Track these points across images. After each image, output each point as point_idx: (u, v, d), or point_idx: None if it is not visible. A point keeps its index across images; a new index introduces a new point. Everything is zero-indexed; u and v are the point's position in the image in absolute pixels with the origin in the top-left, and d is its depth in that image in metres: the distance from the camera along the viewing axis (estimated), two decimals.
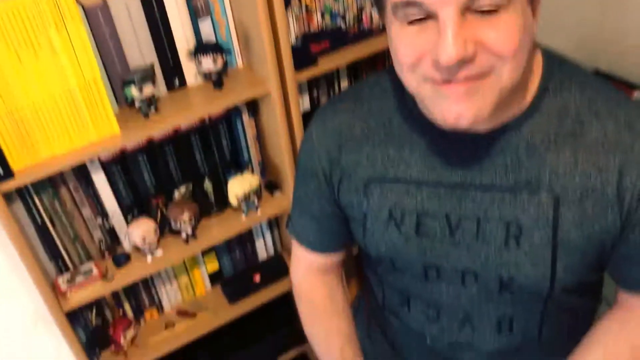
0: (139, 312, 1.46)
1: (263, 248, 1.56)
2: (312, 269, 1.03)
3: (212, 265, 1.51)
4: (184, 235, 1.31)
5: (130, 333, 1.38)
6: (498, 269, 0.81)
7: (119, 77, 1.18)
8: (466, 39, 0.63)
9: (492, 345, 0.88)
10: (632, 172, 0.73)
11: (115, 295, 1.41)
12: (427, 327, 0.91)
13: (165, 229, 1.35)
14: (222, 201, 1.38)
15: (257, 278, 1.50)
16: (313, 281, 1.04)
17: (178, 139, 1.28)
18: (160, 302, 1.48)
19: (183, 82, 1.26)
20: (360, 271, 1.19)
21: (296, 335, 1.02)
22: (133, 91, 1.15)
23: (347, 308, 1.03)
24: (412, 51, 0.67)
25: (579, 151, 0.75)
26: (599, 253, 0.79)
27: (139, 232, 1.25)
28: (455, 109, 0.67)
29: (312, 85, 1.38)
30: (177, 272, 1.47)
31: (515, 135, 0.76)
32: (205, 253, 1.49)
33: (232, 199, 1.33)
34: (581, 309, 0.90)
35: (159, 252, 1.31)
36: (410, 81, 0.71)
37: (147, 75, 1.16)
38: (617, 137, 0.74)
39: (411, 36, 0.66)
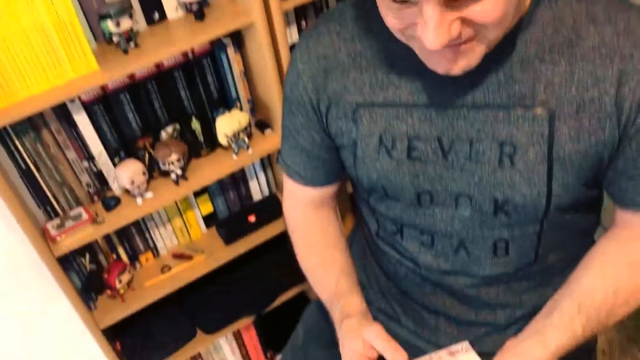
0: (134, 256, 1.44)
1: (257, 189, 1.53)
2: (305, 203, 1.01)
3: (206, 207, 1.49)
4: (173, 176, 1.28)
5: (126, 277, 1.37)
6: (492, 190, 0.78)
7: (95, 11, 1.13)
8: (450, 22, 0.62)
9: (488, 270, 0.86)
10: (631, 81, 0.69)
11: (108, 240, 1.39)
12: (421, 254, 0.89)
13: (154, 170, 1.32)
14: (211, 141, 1.35)
15: (252, 219, 1.47)
16: (306, 215, 1.01)
17: (161, 76, 1.23)
18: (155, 246, 1.47)
19: (163, 15, 1.21)
20: (355, 206, 1.16)
21: (295, 274, 1.00)
22: (110, 25, 1.10)
23: (343, 240, 1.00)
24: (398, 22, 0.67)
25: (575, 61, 0.71)
26: (596, 168, 0.76)
27: (126, 174, 1.22)
28: (444, 65, 0.69)
29: (300, 15, 1.32)
30: (170, 215, 1.45)
31: (508, 50, 0.73)
32: (197, 195, 1.46)
33: (222, 138, 1.30)
34: (579, 230, 0.88)
35: (149, 195, 1.28)
36: (399, 36, 0.71)
37: (124, 9, 1.11)
38: (615, 44, 0.70)
39: (396, 10, 0.66)
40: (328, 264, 0.95)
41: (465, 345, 0.83)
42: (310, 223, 1.01)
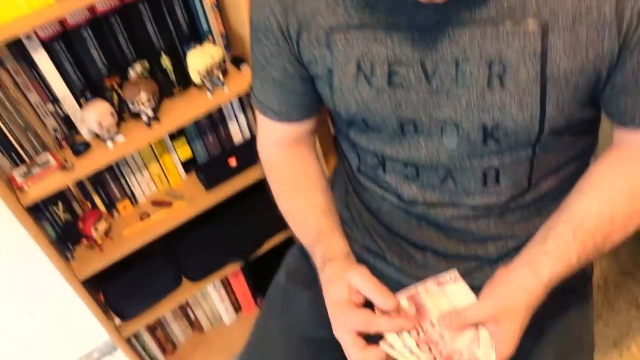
0: (110, 204, 1.38)
1: (237, 131, 1.46)
2: (281, 142, 0.94)
3: (184, 151, 1.42)
4: (144, 117, 1.21)
5: (103, 225, 1.31)
6: (481, 115, 0.72)
7: None
8: None
9: (478, 201, 0.81)
10: None
11: (82, 188, 1.33)
12: (405, 187, 0.83)
13: (124, 113, 1.24)
14: (184, 79, 1.27)
15: (233, 162, 1.41)
16: (283, 155, 0.95)
17: (125, 9, 1.15)
18: (132, 193, 1.41)
19: None
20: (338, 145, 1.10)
21: (282, 219, 0.95)
22: None
23: (322, 180, 0.94)
24: None
25: None
26: (593, 85, 0.69)
27: (93, 115, 1.15)
28: None
29: None
30: (146, 160, 1.39)
31: None
32: (174, 139, 1.39)
33: (194, 74, 1.22)
34: (574, 154, 0.82)
35: (120, 138, 1.21)
36: None
37: None
38: None
39: None
40: (308, 206, 0.89)
41: (453, 274, 0.78)
42: (288, 163, 0.94)
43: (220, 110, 1.41)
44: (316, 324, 0.93)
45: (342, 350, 0.99)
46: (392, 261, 0.92)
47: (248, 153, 1.43)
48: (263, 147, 0.97)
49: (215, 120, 1.42)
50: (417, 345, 0.71)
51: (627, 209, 0.74)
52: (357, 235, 0.97)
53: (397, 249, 0.92)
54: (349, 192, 0.98)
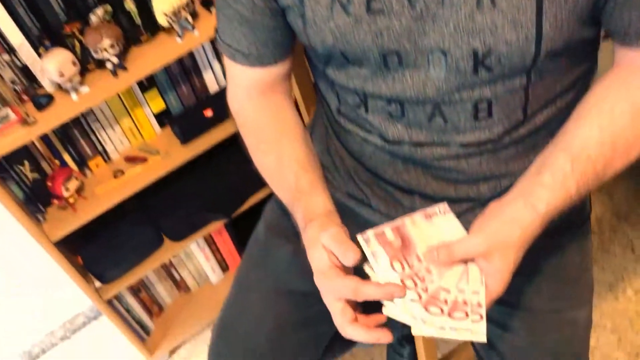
0: (82, 162, 1.31)
1: (213, 80, 1.38)
2: (253, 90, 0.85)
3: (157, 103, 1.34)
4: (109, 65, 1.13)
5: (74, 184, 1.24)
6: (471, 40, 0.64)
7: None
8: None
9: (469, 137, 0.74)
10: None
11: (50, 146, 1.26)
12: (390, 126, 0.76)
13: (89, 63, 1.16)
14: (151, 24, 1.18)
15: (208, 113, 1.33)
16: (256, 105, 0.85)
17: None
18: (104, 149, 1.33)
19: None
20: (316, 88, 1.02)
21: None
22: None
23: (300, 129, 0.85)
24: None
25: None
26: (593, 0, 0.62)
27: (53, 64, 1.06)
28: None
29: None
30: (116, 114, 1.31)
31: None
32: (145, 90, 1.31)
33: (160, 17, 1.13)
34: (573, 79, 0.75)
35: (85, 89, 1.13)
36: None
37: None
38: None
39: None
40: (284, 161, 0.81)
41: (443, 207, 0.72)
42: (261, 114, 0.85)
43: (193, 58, 1.33)
44: (298, 277, 0.87)
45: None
46: (378, 207, 0.86)
47: (225, 103, 1.35)
48: (234, 98, 0.88)
49: (188, 69, 1.34)
50: (402, 281, 0.65)
51: (631, 134, 0.68)
52: (340, 182, 0.90)
53: (382, 194, 0.85)
54: (330, 136, 0.91)
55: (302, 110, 1.09)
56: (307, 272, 0.84)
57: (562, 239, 0.86)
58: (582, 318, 0.88)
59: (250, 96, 0.85)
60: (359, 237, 0.66)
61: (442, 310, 0.64)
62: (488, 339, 0.89)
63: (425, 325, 0.63)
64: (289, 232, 0.90)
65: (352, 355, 1.55)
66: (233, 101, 0.88)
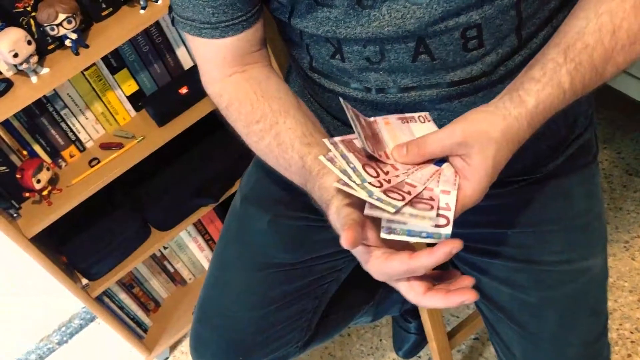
0: (54, 153, 1.24)
1: (187, 57, 1.31)
2: (230, 64, 0.73)
3: (129, 85, 1.27)
4: (68, 43, 1.05)
5: (45, 175, 1.17)
6: None
7: None
8: None
9: (459, 73, 0.65)
10: None
11: (18, 137, 1.19)
12: (371, 73, 0.68)
13: (49, 45, 1.08)
14: None
15: (183, 91, 1.26)
16: (237, 79, 0.74)
17: None
18: (78, 138, 1.26)
19: None
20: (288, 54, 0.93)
21: (249, 153, 0.80)
22: None
23: (292, 98, 0.74)
24: None
25: None
26: None
27: (5, 44, 0.99)
28: None
29: None
30: (87, 100, 1.24)
31: None
32: (115, 72, 1.24)
33: None
34: None
35: (45, 70, 1.06)
36: None
37: None
38: None
39: None
40: (285, 142, 0.70)
41: (424, 115, 0.63)
42: (245, 89, 0.74)
43: (163, 34, 1.25)
44: (277, 248, 0.80)
45: (312, 275, 0.86)
46: None
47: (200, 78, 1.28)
48: (210, 81, 0.76)
49: (160, 47, 1.26)
50: (363, 166, 0.55)
51: (634, 22, 0.59)
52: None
53: None
54: (307, 98, 0.83)
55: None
56: (285, 243, 0.76)
57: (567, 183, 0.78)
58: (596, 268, 0.80)
59: (227, 73, 0.74)
60: (325, 141, 0.57)
61: (403, 198, 0.53)
62: (496, 300, 0.82)
63: (380, 207, 0.52)
64: (265, 201, 0.83)
65: (359, 332, 1.48)
66: (210, 84, 0.77)
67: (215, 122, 1.39)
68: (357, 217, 0.56)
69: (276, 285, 0.83)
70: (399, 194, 0.54)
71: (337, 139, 0.57)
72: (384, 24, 0.62)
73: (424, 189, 0.55)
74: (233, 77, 0.74)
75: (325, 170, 0.64)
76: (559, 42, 0.60)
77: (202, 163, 1.42)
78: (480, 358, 1.39)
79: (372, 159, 0.57)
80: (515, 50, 0.65)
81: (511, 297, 0.81)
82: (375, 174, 0.55)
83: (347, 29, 0.65)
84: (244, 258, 0.84)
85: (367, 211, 0.53)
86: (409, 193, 0.54)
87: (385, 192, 0.53)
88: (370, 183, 0.54)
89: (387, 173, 0.56)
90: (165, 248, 1.55)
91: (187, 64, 1.31)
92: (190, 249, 1.59)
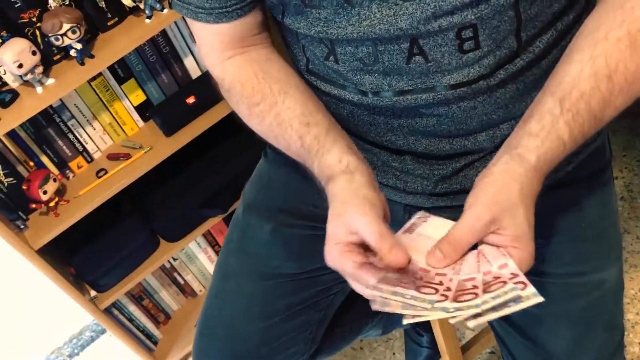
0: (61, 164, 1.24)
1: (194, 66, 1.30)
2: (228, 47, 0.73)
3: (136, 95, 1.26)
4: (73, 53, 1.05)
5: (52, 187, 1.16)
6: None
7: None
8: None
9: (456, 76, 0.63)
10: None
11: (25, 148, 1.19)
12: (365, 75, 0.66)
13: (54, 55, 1.08)
14: (117, 7, 1.11)
15: (191, 100, 1.25)
16: (237, 62, 0.74)
17: None
18: (85, 149, 1.26)
19: None
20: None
21: (258, 158, 0.81)
22: None
23: (294, 78, 0.73)
24: None
25: None
26: None
27: (9, 55, 0.99)
28: None
29: None
30: (94, 110, 1.23)
31: None
32: (122, 82, 1.23)
33: None
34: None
35: (50, 81, 1.06)
36: None
37: None
38: None
39: None
40: (284, 122, 0.69)
41: (421, 214, 0.63)
42: (246, 71, 0.73)
43: (170, 44, 1.25)
44: (280, 258, 0.78)
45: (317, 286, 0.84)
46: None
47: (208, 88, 1.26)
48: (210, 63, 0.76)
49: (167, 56, 1.26)
50: (418, 290, 0.54)
51: (631, 63, 0.57)
52: None
53: (370, 158, 0.75)
54: None
55: None
56: (289, 251, 0.75)
57: (579, 190, 0.75)
58: (611, 280, 0.76)
59: (227, 55, 0.74)
60: (367, 291, 0.56)
61: (475, 295, 0.53)
62: (507, 315, 0.79)
63: (463, 315, 0.52)
64: (267, 210, 0.81)
65: (371, 345, 1.45)
66: (212, 66, 0.77)
67: (223, 132, 1.38)
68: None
69: (280, 296, 0.81)
70: (468, 293, 0.53)
71: (374, 282, 0.55)
72: (375, 22, 0.61)
73: (483, 275, 0.55)
74: (234, 60, 0.74)
75: (324, 149, 0.64)
76: (554, 90, 0.58)
77: (210, 173, 1.40)
78: None
79: (418, 281, 0.56)
80: (515, 53, 0.63)
81: (522, 311, 0.77)
82: (433, 291, 0.54)
83: (338, 29, 0.63)
84: (247, 268, 0.82)
85: (452, 321, 0.53)
86: (475, 287, 0.54)
87: (455, 300, 0.53)
88: (437, 301, 0.53)
89: (440, 283, 0.55)
90: (174, 259, 1.54)
91: (194, 73, 1.30)
92: (200, 260, 1.57)
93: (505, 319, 0.79)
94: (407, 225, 0.62)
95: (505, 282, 0.53)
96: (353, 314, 0.97)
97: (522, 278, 0.53)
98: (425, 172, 0.73)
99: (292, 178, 0.81)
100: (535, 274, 0.75)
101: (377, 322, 1.06)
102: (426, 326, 1.24)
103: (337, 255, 0.58)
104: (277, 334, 0.82)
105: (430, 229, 0.61)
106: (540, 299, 0.52)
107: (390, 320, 1.13)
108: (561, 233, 0.74)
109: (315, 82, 0.73)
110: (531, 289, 0.52)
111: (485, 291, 0.53)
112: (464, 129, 0.68)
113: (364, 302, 0.58)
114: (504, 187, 0.56)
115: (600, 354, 0.76)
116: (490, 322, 0.86)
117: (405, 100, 0.66)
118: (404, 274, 0.56)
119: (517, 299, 0.52)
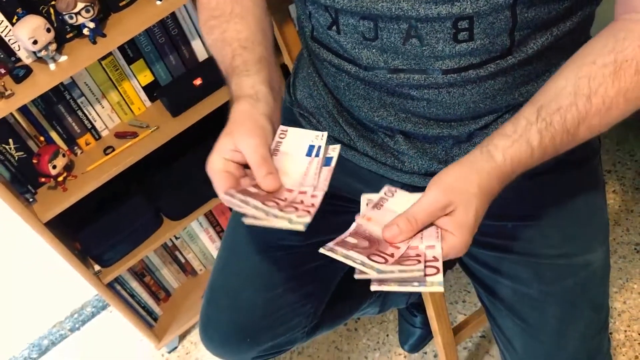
0: (70, 140, 1.27)
1: (202, 49, 1.33)
2: None
3: (144, 76, 1.29)
4: (86, 32, 1.08)
5: (61, 162, 1.20)
6: None
7: None
8: None
9: (448, 62, 0.66)
10: None
11: (36, 123, 1.22)
12: (363, 49, 0.70)
13: (68, 33, 1.11)
14: None
15: (197, 82, 1.28)
16: None
17: None
18: (94, 126, 1.29)
19: None
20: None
21: None
22: None
23: (258, 7, 0.78)
24: None
25: None
26: None
27: (25, 31, 1.02)
28: None
29: None
30: (103, 89, 1.26)
31: None
32: (131, 62, 1.26)
33: None
34: (568, 6, 0.66)
35: (63, 58, 1.08)
36: None
37: None
38: None
39: None
40: (227, 38, 0.74)
41: (387, 188, 0.65)
42: None
43: (179, 26, 1.28)
44: (284, 231, 0.81)
45: (320, 259, 0.87)
46: (364, 149, 0.80)
47: (214, 70, 1.29)
48: None
49: (176, 39, 1.29)
50: (369, 257, 0.58)
51: (611, 88, 0.60)
52: (325, 125, 0.84)
53: (366, 134, 0.79)
54: (311, 75, 0.85)
55: (285, 57, 1.03)
56: None
57: (568, 176, 0.79)
58: (597, 262, 0.80)
59: None
60: (322, 250, 0.58)
61: (385, 260, 0.56)
62: (498, 293, 0.83)
63: (365, 271, 0.56)
64: None
65: (365, 326, 1.49)
66: None
67: (228, 114, 1.41)
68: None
69: (283, 268, 0.85)
70: (381, 256, 0.57)
71: (331, 244, 0.59)
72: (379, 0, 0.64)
73: (407, 249, 0.58)
74: None
75: (246, 73, 0.70)
76: (537, 100, 0.62)
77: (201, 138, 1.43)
78: (486, 355, 1.39)
79: (372, 247, 0.59)
80: (508, 51, 0.66)
81: (513, 290, 0.81)
82: (383, 260, 0.57)
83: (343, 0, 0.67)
84: (253, 241, 0.86)
85: (357, 276, 0.56)
86: (391, 255, 0.57)
87: (369, 256, 0.56)
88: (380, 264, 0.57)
89: (392, 255, 0.58)
90: (176, 238, 1.57)
91: (202, 55, 1.33)
92: (202, 239, 1.61)
93: (496, 297, 0.83)
94: (376, 200, 0.65)
95: (419, 262, 0.56)
96: (353, 290, 1.01)
97: (439, 264, 0.56)
98: (418, 152, 0.76)
99: None
100: (526, 255, 0.79)
101: (375, 299, 1.10)
102: (420, 306, 1.28)
103: (216, 167, 0.64)
104: (280, 305, 0.85)
105: (397, 203, 0.63)
106: (442, 289, 0.55)
107: (387, 300, 1.17)
108: (550, 216, 0.78)
109: (318, 50, 0.77)
110: (439, 278, 0.55)
111: (397, 262, 0.56)
112: (452, 114, 0.72)
113: (364, 280, 0.62)
114: (465, 176, 0.59)
115: (587, 332, 0.80)
116: (482, 301, 0.89)
117: (398, 79, 0.69)
118: (376, 245, 0.60)
119: (422, 281, 0.55)
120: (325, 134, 0.66)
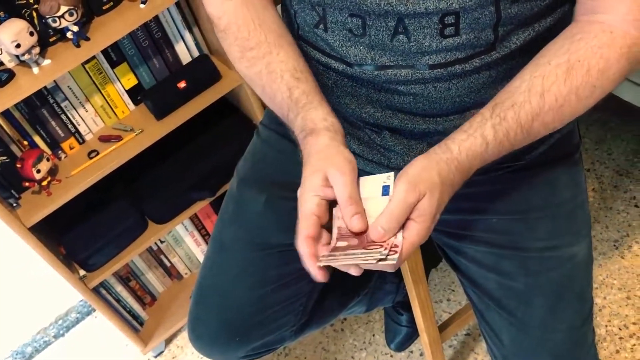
0: (54, 144, 1.26)
1: (185, 52, 1.33)
2: None
3: (128, 79, 1.29)
4: (70, 35, 1.08)
5: (45, 166, 1.19)
6: None
7: None
8: None
9: (435, 57, 0.68)
10: None
11: (19, 128, 1.21)
12: (351, 46, 0.71)
13: (50, 37, 1.11)
14: None
15: (182, 85, 1.28)
16: (236, 4, 0.76)
17: None
18: (77, 130, 1.28)
19: None
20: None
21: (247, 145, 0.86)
22: None
23: (288, 33, 0.77)
24: None
25: None
26: None
27: (7, 34, 1.01)
28: None
29: None
30: (87, 92, 1.26)
31: None
32: (115, 65, 1.26)
33: None
34: (550, 4, 0.68)
35: (47, 62, 1.08)
36: None
37: None
38: None
39: None
40: (275, 71, 0.73)
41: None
42: (244, 15, 0.76)
43: (162, 30, 1.28)
44: (273, 229, 0.82)
45: None
46: (351, 147, 0.81)
47: (198, 73, 1.30)
48: (209, 1, 0.79)
49: (159, 42, 1.29)
50: (366, 249, 0.62)
51: (564, 87, 0.63)
52: None
53: (353, 131, 0.80)
54: None
55: None
56: (282, 222, 0.79)
57: (552, 170, 0.81)
58: (581, 254, 0.82)
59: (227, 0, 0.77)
60: (321, 264, 0.63)
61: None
62: (484, 287, 0.85)
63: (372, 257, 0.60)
64: (261, 183, 0.85)
65: (352, 326, 1.50)
66: (210, 4, 0.79)
67: (212, 117, 1.42)
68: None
69: (273, 266, 0.85)
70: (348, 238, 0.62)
71: (326, 254, 0.64)
72: None
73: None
74: (232, 3, 0.76)
75: (311, 105, 0.69)
76: (493, 100, 0.65)
77: (199, 157, 1.44)
78: (471, 353, 1.41)
79: (362, 241, 0.63)
80: (492, 46, 0.68)
81: (499, 284, 0.83)
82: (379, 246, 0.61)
83: None
84: (241, 239, 0.86)
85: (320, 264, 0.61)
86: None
87: (366, 247, 0.61)
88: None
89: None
90: (162, 242, 1.57)
91: (185, 58, 1.34)
92: (187, 243, 1.60)
93: (483, 291, 0.85)
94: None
95: (381, 246, 0.60)
96: (341, 287, 1.01)
97: (399, 249, 0.60)
98: (405, 148, 0.78)
99: (284, 153, 0.85)
100: (512, 249, 0.81)
101: (362, 298, 1.11)
102: (406, 305, 1.29)
103: (309, 208, 0.63)
104: (270, 303, 0.86)
105: (367, 189, 0.65)
106: (393, 263, 0.59)
107: (374, 299, 1.18)
108: (536, 209, 0.80)
109: (305, 48, 0.78)
110: (395, 256, 0.59)
111: (364, 247, 0.61)
112: (438, 109, 0.73)
113: (352, 277, 0.64)
114: (426, 168, 0.62)
115: (572, 323, 0.82)
116: (469, 296, 0.91)
117: (386, 75, 0.71)
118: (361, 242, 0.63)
119: (376, 255, 0.60)
120: (392, 174, 0.66)
